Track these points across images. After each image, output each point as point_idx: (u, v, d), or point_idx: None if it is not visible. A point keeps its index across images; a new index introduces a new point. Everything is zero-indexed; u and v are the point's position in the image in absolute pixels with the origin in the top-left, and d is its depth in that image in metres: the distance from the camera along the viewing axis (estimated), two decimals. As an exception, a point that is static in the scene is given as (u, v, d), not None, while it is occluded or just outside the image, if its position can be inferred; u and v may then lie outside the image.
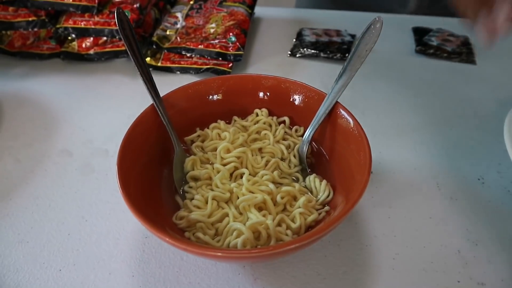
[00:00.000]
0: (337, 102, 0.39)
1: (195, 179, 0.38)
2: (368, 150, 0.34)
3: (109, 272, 0.36)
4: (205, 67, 0.60)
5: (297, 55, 0.64)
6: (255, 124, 0.42)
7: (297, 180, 0.38)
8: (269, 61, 0.63)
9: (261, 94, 0.44)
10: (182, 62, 0.61)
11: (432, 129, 0.50)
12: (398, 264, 0.36)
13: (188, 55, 0.62)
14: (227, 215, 0.34)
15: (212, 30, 0.64)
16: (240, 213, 0.34)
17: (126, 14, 0.59)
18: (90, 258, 0.37)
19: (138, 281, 0.35)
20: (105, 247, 0.38)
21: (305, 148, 0.40)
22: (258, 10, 0.75)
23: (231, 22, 0.64)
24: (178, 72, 0.61)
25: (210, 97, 0.43)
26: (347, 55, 0.61)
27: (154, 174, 0.38)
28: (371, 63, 0.62)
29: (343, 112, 0.38)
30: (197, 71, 0.60)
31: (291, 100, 0.43)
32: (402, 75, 0.60)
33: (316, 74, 0.60)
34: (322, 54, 0.62)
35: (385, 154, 0.47)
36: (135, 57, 0.40)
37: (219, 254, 0.28)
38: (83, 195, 0.43)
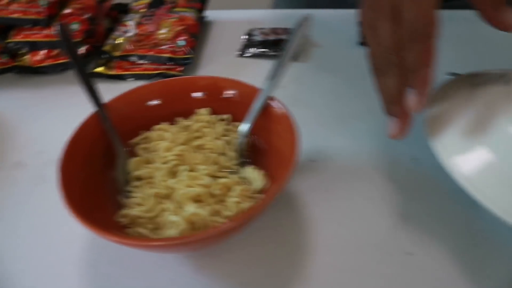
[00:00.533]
0: (271, 96, 0.41)
1: (139, 179, 0.40)
2: (296, 138, 0.36)
3: (59, 274, 0.37)
4: (156, 72, 0.62)
5: (247, 55, 0.66)
6: (197, 123, 0.44)
7: (236, 173, 0.40)
8: (220, 62, 0.66)
9: (202, 94, 0.46)
10: (134, 69, 0.63)
11: (370, 115, 0.53)
12: (335, 244, 0.39)
13: (140, 62, 0.63)
14: (166, 209, 0.36)
15: (162, 36, 0.66)
16: (180, 208, 0.36)
17: (74, 26, 0.61)
18: (40, 264, 0.38)
19: (86, 280, 0.36)
20: (55, 252, 0.39)
21: (243, 142, 0.42)
22: (211, 14, 0.77)
23: (181, 27, 0.66)
24: (133, 79, 0.63)
25: (153, 100, 0.45)
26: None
27: (99, 178, 0.39)
28: (316, 57, 0.65)
29: (276, 104, 0.41)
30: (149, 77, 0.62)
31: (230, 97, 0.45)
32: (345, 67, 0.62)
33: (265, 72, 0.61)
34: (269, 52, 0.65)
35: (327, 143, 0.49)
36: (76, 67, 0.42)
37: (154, 244, 0.30)
38: (35, 204, 0.44)
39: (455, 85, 0.44)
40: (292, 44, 0.43)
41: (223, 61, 0.66)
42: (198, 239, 0.29)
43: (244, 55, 0.66)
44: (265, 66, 0.64)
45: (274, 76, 0.42)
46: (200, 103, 0.45)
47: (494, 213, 0.32)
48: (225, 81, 0.44)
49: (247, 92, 0.44)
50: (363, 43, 0.66)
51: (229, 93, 0.45)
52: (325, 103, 0.55)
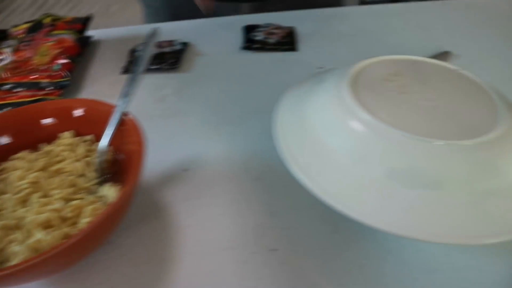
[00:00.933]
0: (125, 111, 0.41)
1: (-8, 212, 0.38)
2: (143, 150, 0.37)
3: None
4: (34, 99, 0.60)
5: (130, 72, 0.65)
6: (58, 147, 0.43)
7: (94, 192, 0.40)
8: (103, 82, 0.65)
9: (62, 118, 0.45)
10: (11, 98, 0.61)
11: (245, 119, 0.54)
12: (200, 250, 0.39)
13: (17, 90, 0.61)
14: (14, 240, 0.35)
15: (39, 61, 0.64)
16: (30, 236, 0.35)
17: None
18: None
19: None
20: None
21: (102, 160, 0.41)
22: (98, 33, 0.76)
23: (58, 50, 0.65)
24: (10, 108, 0.60)
25: (7, 130, 0.43)
26: (177, 63, 0.65)
27: None
28: (199, 66, 0.66)
29: (130, 119, 0.41)
30: (28, 104, 0.60)
31: (90, 118, 0.44)
32: (228, 73, 0.64)
33: (147, 87, 0.62)
34: (153, 66, 0.65)
35: (201, 151, 0.50)
36: None
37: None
38: None
39: (307, 83, 0.47)
40: (144, 59, 0.44)
41: (108, 80, 0.65)
42: (21, 268, 0.28)
43: (127, 73, 0.66)
44: (147, 80, 0.64)
45: (127, 91, 0.42)
46: (64, 126, 0.45)
47: (338, 210, 0.33)
48: (81, 102, 0.44)
49: (106, 110, 0.43)
50: (246, 47, 0.68)
51: (90, 113, 0.44)
52: (204, 112, 0.56)
